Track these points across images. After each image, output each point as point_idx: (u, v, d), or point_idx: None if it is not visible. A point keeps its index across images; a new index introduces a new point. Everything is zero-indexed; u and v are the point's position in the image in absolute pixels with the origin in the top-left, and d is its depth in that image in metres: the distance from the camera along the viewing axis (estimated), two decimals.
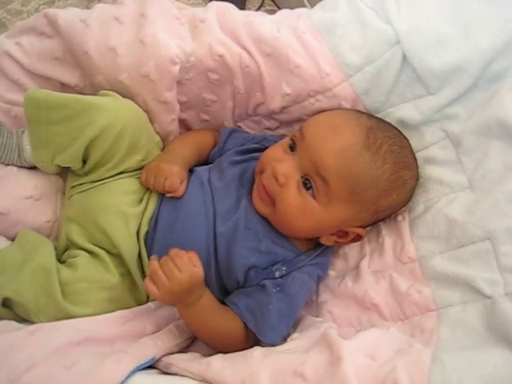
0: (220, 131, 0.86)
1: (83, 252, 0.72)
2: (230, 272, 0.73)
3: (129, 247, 0.72)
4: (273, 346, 0.66)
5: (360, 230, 0.75)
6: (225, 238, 0.72)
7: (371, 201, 0.72)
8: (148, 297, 0.75)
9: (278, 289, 0.71)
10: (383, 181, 0.71)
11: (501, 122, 0.71)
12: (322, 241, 0.77)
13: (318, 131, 0.72)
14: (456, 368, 0.53)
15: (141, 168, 0.77)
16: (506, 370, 0.52)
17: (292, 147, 0.74)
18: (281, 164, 0.72)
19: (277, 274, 0.73)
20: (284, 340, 0.69)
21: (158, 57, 0.72)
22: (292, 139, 0.75)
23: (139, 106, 0.76)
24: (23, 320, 0.66)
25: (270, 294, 0.70)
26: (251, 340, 0.70)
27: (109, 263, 0.71)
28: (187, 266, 0.64)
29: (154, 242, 0.74)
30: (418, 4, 0.78)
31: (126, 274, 0.74)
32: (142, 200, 0.76)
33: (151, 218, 0.75)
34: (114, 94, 0.73)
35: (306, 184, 0.71)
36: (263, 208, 0.74)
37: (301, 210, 0.71)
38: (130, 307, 0.70)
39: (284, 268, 0.74)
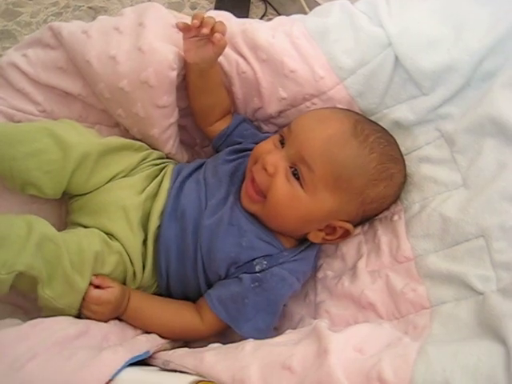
0: (234, 115, 0.87)
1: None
2: (212, 265, 0.75)
3: (129, 239, 0.74)
4: (248, 339, 0.67)
5: (348, 225, 0.76)
6: (208, 231, 0.74)
7: (358, 190, 0.73)
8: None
9: (256, 284, 0.72)
10: (370, 169, 0.72)
11: (493, 119, 0.71)
12: (311, 237, 0.77)
13: (305, 123, 0.75)
14: (440, 360, 0.53)
15: (129, 172, 0.79)
16: (489, 361, 0.52)
17: (282, 142, 0.76)
18: (270, 155, 0.74)
19: (257, 267, 0.74)
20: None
21: (157, 63, 0.74)
22: (281, 135, 0.77)
23: (137, 112, 0.78)
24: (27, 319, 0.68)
25: (246, 288, 0.72)
26: (211, 327, 0.74)
27: (114, 241, 0.73)
28: (99, 300, 0.69)
29: (161, 236, 0.76)
30: (408, 7, 0.79)
31: (126, 259, 0.75)
32: (143, 191, 0.78)
33: (162, 212, 0.77)
34: (72, 122, 0.77)
35: (295, 174, 0.73)
36: (251, 205, 0.76)
37: (289, 199, 0.72)
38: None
39: (265, 262, 0.74)
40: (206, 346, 0.69)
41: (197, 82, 0.80)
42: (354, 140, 0.72)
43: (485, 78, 0.76)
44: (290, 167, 0.73)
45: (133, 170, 0.80)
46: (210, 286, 0.77)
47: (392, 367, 0.54)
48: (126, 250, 0.74)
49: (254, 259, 0.75)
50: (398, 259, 0.75)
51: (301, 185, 0.72)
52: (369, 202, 0.75)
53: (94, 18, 0.83)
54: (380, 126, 0.79)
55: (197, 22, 0.71)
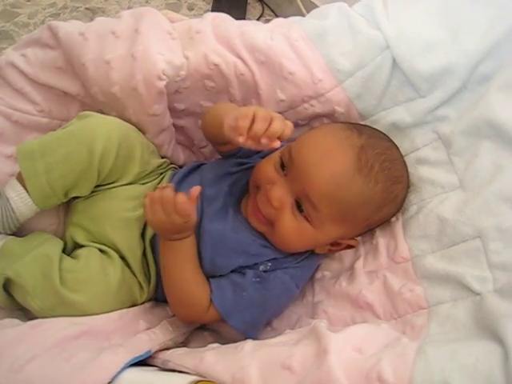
0: None
1: (90, 246, 0.75)
2: (216, 271, 0.75)
3: (132, 250, 0.75)
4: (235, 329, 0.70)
5: (352, 242, 0.78)
6: (211, 239, 0.74)
7: (364, 218, 0.74)
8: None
9: (258, 279, 0.73)
10: (376, 200, 0.73)
11: (489, 121, 0.72)
12: (317, 250, 0.78)
13: (308, 156, 0.71)
14: (439, 359, 0.54)
15: (141, 178, 0.80)
16: (488, 361, 0.53)
17: (283, 166, 0.74)
18: (274, 188, 0.72)
19: (261, 267, 0.75)
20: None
21: (146, 71, 0.73)
22: (281, 158, 0.74)
23: (130, 118, 0.78)
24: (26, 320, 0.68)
25: (248, 282, 0.73)
26: (211, 314, 0.73)
27: (115, 259, 0.74)
28: (185, 212, 0.66)
29: (155, 245, 0.77)
30: (406, 10, 0.80)
31: (128, 274, 0.76)
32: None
33: None
34: (95, 114, 0.75)
35: (300, 207, 0.72)
36: (260, 226, 0.76)
37: (296, 232, 0.73)
38: (123, 307, 0.73)
39: (269, 264, 0.76)
40: (205, 346, 0.69)
41: None
42: (358, 176, 0.70)
43: (481, 80, 0.77)
44: (295, 200, 0.72)
45: (142, 177, 0.80)
46: None
47: (391, 367, 0.54)
48: (127, 264, 0.75)
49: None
50: (395, 260, 0.76)
51: (307, 219, 0.72)
52: (374, 223, 0.78)
53: (91, 19, 0.83)
54: (383, 140, 0.77)
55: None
